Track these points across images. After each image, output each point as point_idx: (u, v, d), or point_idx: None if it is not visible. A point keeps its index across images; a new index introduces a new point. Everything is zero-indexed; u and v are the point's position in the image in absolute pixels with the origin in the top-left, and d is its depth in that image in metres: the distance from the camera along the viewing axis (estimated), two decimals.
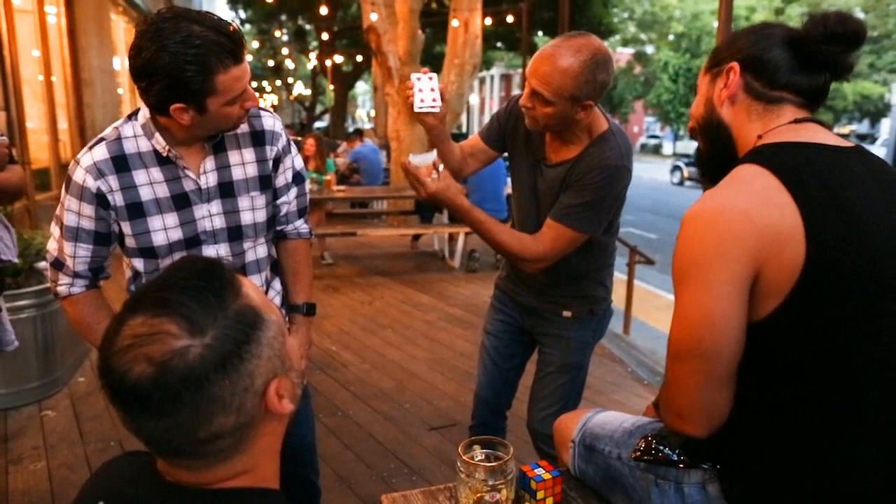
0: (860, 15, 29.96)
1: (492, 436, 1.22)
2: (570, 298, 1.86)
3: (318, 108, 28.10)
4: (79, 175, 1.34)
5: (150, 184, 1.38)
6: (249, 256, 1.52)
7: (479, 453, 1.18)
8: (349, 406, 3.28)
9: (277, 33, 22.35)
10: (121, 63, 8.72)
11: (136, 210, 1.37)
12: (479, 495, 1.12)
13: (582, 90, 1.51)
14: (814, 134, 1.01)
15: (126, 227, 1.38)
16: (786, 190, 0.91)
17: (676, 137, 32.97)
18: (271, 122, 1.52)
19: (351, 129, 9.44)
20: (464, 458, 1.14)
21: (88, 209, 1.36)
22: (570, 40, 1.52)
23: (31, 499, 2.44)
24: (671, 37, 30.88)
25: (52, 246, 1.44)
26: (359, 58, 19.33)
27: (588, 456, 1.26)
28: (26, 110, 5.20)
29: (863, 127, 36.06)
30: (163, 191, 1.39)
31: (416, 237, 7.30)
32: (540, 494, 1.17)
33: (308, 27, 20.90)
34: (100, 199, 1.34)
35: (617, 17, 20.26)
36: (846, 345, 0.93)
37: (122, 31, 9.04)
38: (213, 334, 0.66)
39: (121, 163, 1.35)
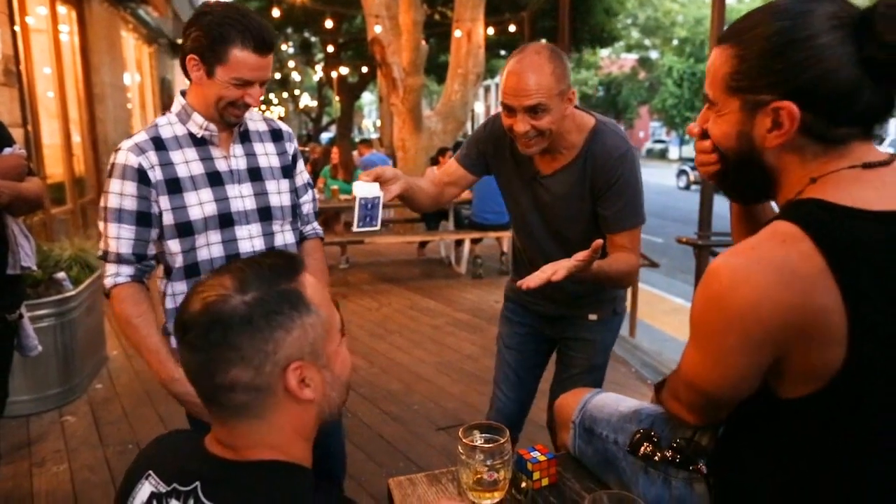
0: None
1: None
2: (596, 302, 1.89)
3: (325, 119, 28.32)
4: (121, 157, 1.47)
5: (185, 162, 1.52)
6: (279, 240, 1.66)
7: (478, 437, 1.26)
8: (358, 408, 3.36)
9: (283, 46, 22.56)
10: (131, 79, 8.90)
11: (174, 185, 1.50)
12: (478, 475, 1.20)
13: (563, 81, 1.57)
14: (884, 188, 0.81)
15: (164, 202, 1.50)
16: (836, 284, 0.76)
17: (682, 142, 32.96)
18: (286, 126, 1.72)
19: (357, 140, 9.65)
20: (464, 440, 1.23)
21: (130, 187, 1.47)
22: (523, 53, 1.57)
23: (54, 499, 2.54)
24: (675, 42, 30.96)
25: (102, 243, 1.54)
26: (364, 69, 19.48)
27: (588, 438, 1.31)
28: (42, 126, 5.35)
29: None
30: (198, 168, 1.53)
31: (423, 244, 7.39)
32: (536, 475, 1.25)
33: (314, 40, 21.11)
34: (141, 176, 1.47)
35: (620, 23, 20.31)
36: (882, 427, 0.82)
37: (132, 48, 9.23)
38: (254, 295, 0.79)
39: (159, 143, 1.50)
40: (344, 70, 19.49)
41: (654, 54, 33.99)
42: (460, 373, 3.86)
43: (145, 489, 0.84)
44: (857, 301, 0.76)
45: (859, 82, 0.79)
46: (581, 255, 1.42)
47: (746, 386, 0.87)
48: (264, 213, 1.61)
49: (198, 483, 0.80)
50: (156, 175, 1.48)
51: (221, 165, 1.56)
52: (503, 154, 1.78)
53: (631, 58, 35.12)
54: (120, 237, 1.49)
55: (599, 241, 1.41)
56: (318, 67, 23.63)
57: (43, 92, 5.56)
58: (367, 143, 9.13)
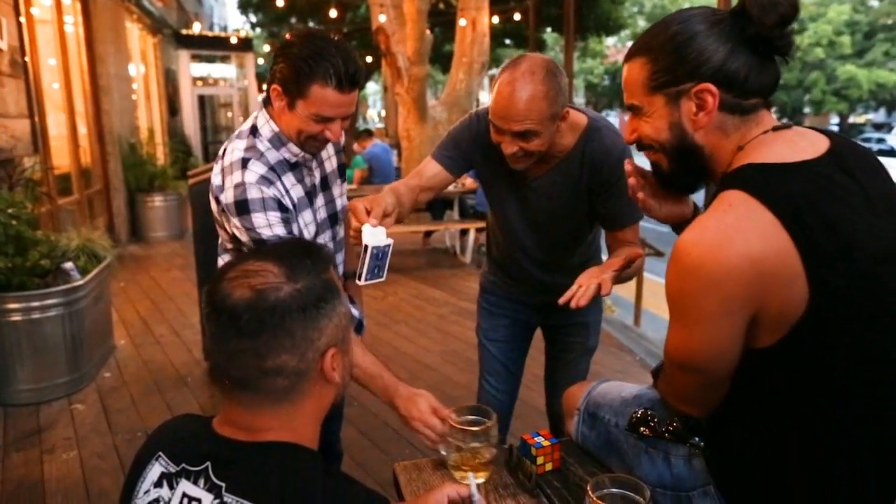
0: (875, 3, 29.59)
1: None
2: None
3: None
4: (254, 191, 1.43)
5: (292, 187, 1.53)
6: (338, 235, 1.74)
7: (466, 418, 1.30)
8: (364, 396, 3.34)
9: (288, 36, 22.52)
10: (136, 69, 8.89)
11: (295, 210, 1.53)
12: (464, 455, 1.24)
13: (557, 104, 1.49)
14: (795, 145, 0.96)
15: (294, 227, 1.50)
16: (783, 228, 0.86)
17: None
18: None
19: (361, 129, 9.52)
20: (451, 422, 1.26)
21: (274, 216, 1.44)
22: (516, 70, 1.47)
23: (65, 485, 2.58)
24: None
25: None
26: (368, 59, 19.39)
27: (591, 422, 1.34)
28: (48, 117, 5.37)
29: (879, 116, 35.65)
30: (298, 191, 1.55)
31: (428, 234, 7.40)
32: (539, 460, 1.27)
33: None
34: (279, 204, 1.45)
35: (626, 11, 20.12)
36: (845, 376, 0.91)
37: (136, 38, 9.22)
38: (304, 284, 0.83)
39: (274, 172, 1.49)
40: None
41: None
42: (466, 361, 3.87)
43: (155, 470, 0.86)
44: (803, 237, 0.86)
45: (752, 60, 0.96)
46: (615, 264, 1.43)
47: (734, 350, 0.93)
48: (333, 220, 1.68)
49: (208, 463, 0.82)
50: (286, 202, 1.48)
51: (308, 184, 1.59)
52: (492, 156, 1.67)
53: None
54: None
55: (640, 251, 1.42)
56: None
57: (49, 83, 5.57)
58: (368, 133, 9.02)
